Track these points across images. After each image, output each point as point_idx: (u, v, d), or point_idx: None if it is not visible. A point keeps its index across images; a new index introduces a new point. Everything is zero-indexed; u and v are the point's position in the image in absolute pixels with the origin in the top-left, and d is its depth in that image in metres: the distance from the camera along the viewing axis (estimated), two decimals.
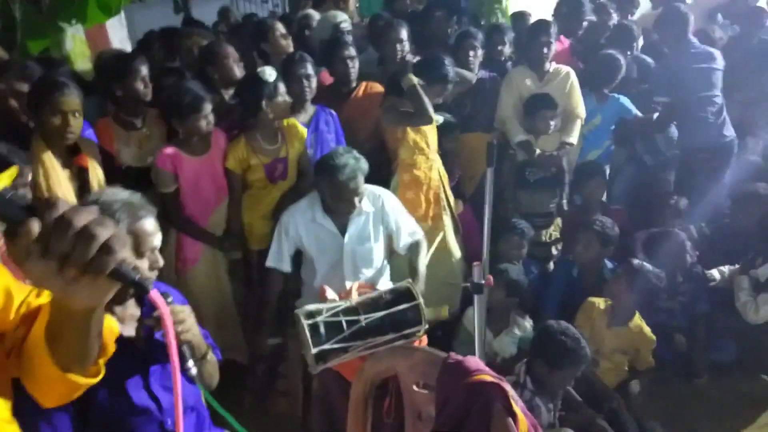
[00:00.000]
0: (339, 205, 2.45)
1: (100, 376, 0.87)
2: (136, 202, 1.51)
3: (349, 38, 3.22)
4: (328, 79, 3.34)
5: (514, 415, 1.28)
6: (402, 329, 2.03)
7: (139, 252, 1.47)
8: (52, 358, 0.79)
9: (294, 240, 2.53)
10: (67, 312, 0.74)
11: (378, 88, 3.19)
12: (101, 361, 0.88)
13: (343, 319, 2.03)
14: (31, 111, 2.33)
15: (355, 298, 2.19)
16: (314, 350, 1.93)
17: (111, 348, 0.90)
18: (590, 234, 3.08)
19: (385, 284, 2.60)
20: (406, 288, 2.14)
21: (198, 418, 1.67)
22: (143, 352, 1.55)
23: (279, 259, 2.55)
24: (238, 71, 3.03)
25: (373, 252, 2.57)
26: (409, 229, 2.66)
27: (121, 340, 1.49)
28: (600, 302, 2.84)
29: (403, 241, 2.63)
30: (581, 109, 3.54)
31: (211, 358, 1.66)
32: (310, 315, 2.01)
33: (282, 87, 2.70)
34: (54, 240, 0.64)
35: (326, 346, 1.96)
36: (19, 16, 3.95)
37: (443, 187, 3.15)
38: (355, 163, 2.40)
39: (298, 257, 2.63)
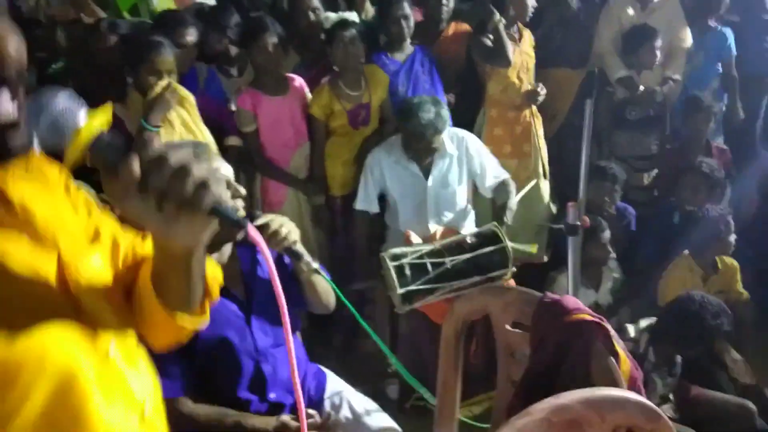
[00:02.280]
0: (418, 150, 2.40)
1: (206, 318, 0.87)
2: (208, 147, 1.53)
3: None
4: (416, 17, 3.24)
5: (615, 355, 1.23)
6: (488, 271, 1.99)
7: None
8: (158, 300, 0.80)
9: (379, 181, 2.53)
10: (169, 253, 0.74)
11: (466, 27, 3.06)
12: (207, 304, 0.87)
13: (428, 261, 2.02)
14: (129, 68, 2.38)
15: (439, 241, 2.18)
16: (400, 290, 1.93)
17: (216, 291, 0.89)
18: (697, 177, 2.87)
19: (469, 228, 2.55)
20: (492, 231, 2.09)
21: (297, 349, 1.70)
22: (243, 300, 1.60)
23: (366, 201, 2.56)
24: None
25: (457, 195, 2.53)
26: (494, 171, 2.59)
27: (223, 290, 1.55)
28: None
29: (488, 183, 2.57)
30: (688, 42, 3.24)
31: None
32: (396, 257, 2.01)
33: (346, 34, 2.63)
34: (153, 177, 0.63)
35: (412, 287, 1.96)
36: None
37: (534, 125, 3.02)
38: (436, 112, 2.35)
39: (382, 203, 2.62)
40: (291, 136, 2.72)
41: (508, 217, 2.36)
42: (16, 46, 0.64)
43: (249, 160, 2.73)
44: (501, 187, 2.56)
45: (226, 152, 2.61)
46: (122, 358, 0.78)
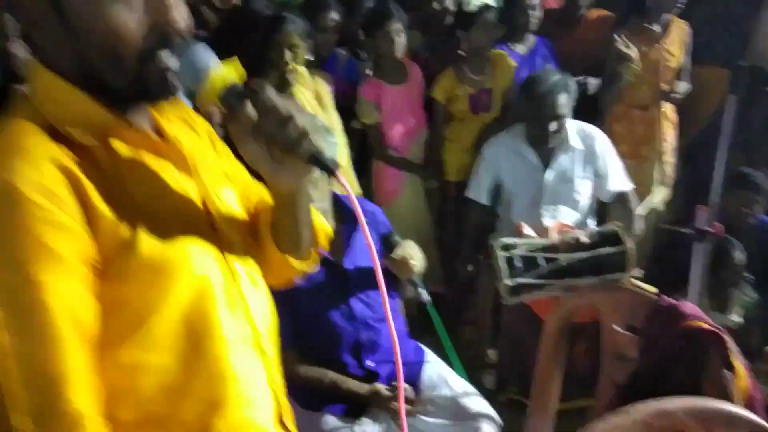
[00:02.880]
0: (538, 128, 2.31)
1: (313, 263, 1.00)
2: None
3: None
4: (550, 3, 3.15)
5: (731, 368, 1.14)
6: (604, 273, 1.91)
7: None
8: (272, 240, 0.93)
9: (493, 171, 2.49)
10: (278, 194, 0.87)
11: (607, 14, 2.92)
12: (314, 251, 1.00)
13: (540, 255, 1.97)
14: (261, 42, 2.53)
15: (554, 237, 2.11)
16: (508, 281, 1.91)
17: (323, 241, 1.03)
18: None
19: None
20: (614, 231, 2.00)
21: (397, 325, 1.77)
22: (340, 266, 1.67)
23: (478, 190, 2.53)
24: None
25: (577, 192, 2.41)
26: (618, 178, 2.44)
27: (325, 260, 1.64)
28: None
29: (611, 187, 2.43)
30: None
31: None
32: (506, 247, 1.99)
33: (489, 17, 2.62)
34: (264, 122, 0.74)
35: (521, 280, 1.93)
36: None
37: (661, 128, 2.82)
38: (559, 79, 2.27)
39: (496, 192, 2.58)
40: (412, 124, 2.76)
41: (633, 231, 2.24)
42: (184, 13, 0.75)
43: (361, 149, 2.80)
44: (621, 198, 2.43)
45: (352, 134, 2.72)
46: (246, 279, 0.87)
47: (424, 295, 1.68)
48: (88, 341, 0.69)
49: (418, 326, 2.11)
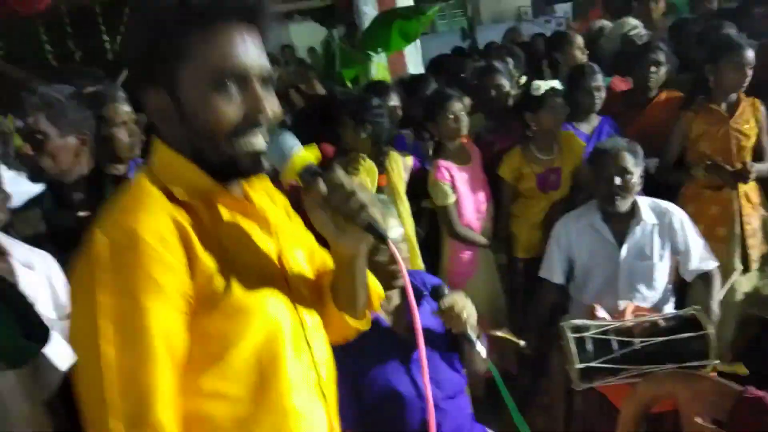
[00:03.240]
0: (606, 188, 2.28)
1: (368, 324, 1.14)
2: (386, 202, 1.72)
3: (661, 44, 3.00)
4: (620, 86, 3.17)
5: None
6: (684, 360, 1.80)
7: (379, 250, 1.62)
8: (332, 299, 1.07)
9: (566, 250, 2.44)
10: (339, 257, 1.01)
11: (676, 95, 2.91)
12: (368, 313, 1.14)
13: (613, 338, 1.89)
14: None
15: (629, 319, 2.02)
16: (579, 365, 1.83)
17: (376, 304, 1.16)
18: None
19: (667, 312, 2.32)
20: (692, 315, 1.90)
21: (460, 408, 1.71)
22: (406, 341, 1.66)
23: (550, 270, 2.48)
24: (582, 58, 3.19)
25: (655, 271, 2.31)
26: (700, 254, 2.33)
27: (384, 330, 1.64)
28: None
29: (692, 266, 2.32)
30: None
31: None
32: (577, 329, 1.92)
33: (558, 101, 2.69)
34: (332, 195, 0.89)
35: (593, 364, 1.85)
36: (338, 52, 4.68)
37: (739, 207, 2.69)
38: (625, 142, 2.28)
39: (570, 271, 2.52)
40: (482, 202, 2.80)
41: (712, 320, 2.12)
42: (275, 104, 0.92)
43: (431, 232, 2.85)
44: (705, 277, 2.31)
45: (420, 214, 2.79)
46: (311, 328, 1.00)
47: (480, 349, 1.61)
48: (177, 365, 0.81)
49: (486, 410, 2.04)
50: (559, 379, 2.41)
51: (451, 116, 2.66)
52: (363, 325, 1.13)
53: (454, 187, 2.70)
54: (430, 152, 2.88)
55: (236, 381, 0.87)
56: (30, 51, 5.11)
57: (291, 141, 0.91)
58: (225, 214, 0.92)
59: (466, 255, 2.79)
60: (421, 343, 0.95)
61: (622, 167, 2.24)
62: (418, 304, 1.71)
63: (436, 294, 1.64)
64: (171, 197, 0.88)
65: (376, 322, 1.64)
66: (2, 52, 5.14)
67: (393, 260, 1.41)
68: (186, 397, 0.82)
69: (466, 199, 2.74)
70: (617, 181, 2.24)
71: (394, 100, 2.88)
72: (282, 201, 1.10)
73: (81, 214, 1.87)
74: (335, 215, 0.91)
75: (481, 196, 2.80)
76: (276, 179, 1.02)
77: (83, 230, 1.85)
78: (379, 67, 4.52)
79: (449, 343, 1.69)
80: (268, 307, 0.91)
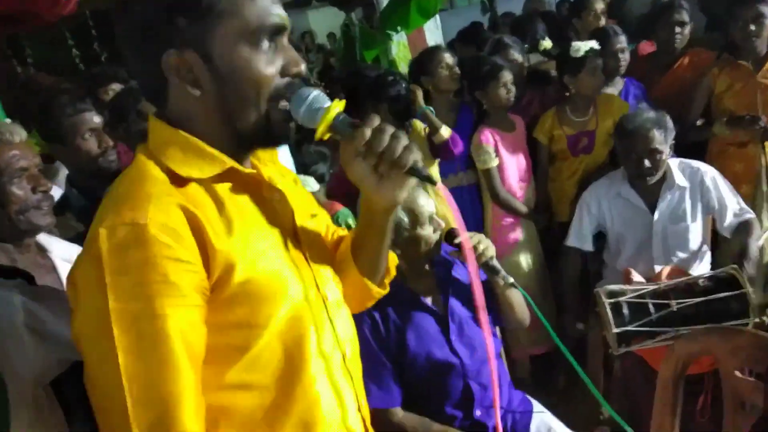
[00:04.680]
0: (634, 167, 2.25)
1: (385, 291, 1.11)
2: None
3: (684, 2, 2.92)
4: (648, 51, 3.11)
5: None
6: (722, 320, 1.80)
7: (419, 222, 1.64)
8: (355, 265, 1.04)
9: (596, 218, 2.43)
10: (373, 211, 0.96)
11: (707, 55, 2.83)
12: (387, 281, 1.12)
13: (650, 302, 1.89)
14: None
15: (665, 282, 2.01)
16: (616, 330, 1.84)
17: (393, 271, 1.14)
18: None
19: (703, 272, 2.29)
20: (731, 274, 1.88)
21: (499, 369, 1.73)
22: (442, 312, 1.69)
23: (579, 238, 2.47)
24: (603, 22, 3.14)
25: (690, 232, 2.29)
26: (734, 208, 2.30)
27: (423, 305, 1.67)
28: None
29: (727, 221, 2.29)
30: None
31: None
32: (613, 294, 1.92)
33: (598, 62, 2.65)
34: (375, 141, 0.85)
35: (630, 328, 1.85)
36: (357, 34, 4.68)
37: (764, 164, 2.63)
38: (653, 115, 2.21)
39: (600, 238, 2.51)
40: (524, 170, 2.80)
41: (749, 267, 2.08)
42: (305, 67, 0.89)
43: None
44: (742, 229, 2.27)
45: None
46: (333, 304, 0.96)
47: (509, 278, 1.61)
48: (197, 364, 0.77)
49: (533, 391, 2.03)
50: (597, 345, 2.42)
51: (503, 86, 2.65)
52: (382, 291, 1.11)
53: (497, 152, 2.70)
54: (481, 127, 2.86)
55: (262, 370, 0.83)
56: (59, 56, 5.23)
57: (317, 95, 0.86)
58: (238, 191, 0.88)
59: (509, 222, 2.79)
60: (481, 300, 0.92)
61: (651, 148, 2.18)
62: (450, 270, 1.74)
63: (450, 236, 1.64)
64: (174, 179, 0.82)
65: (411, 295, 1.68)
66: (32, 60, 5.27)
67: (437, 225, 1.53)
68: (211, 391, 0.79)
69: (509, 166, 2.74)
70: (646, 163, 2.20)
71: (448, 57, 2.81)
72: (288, 172, 1.06)
73: None
74: (378, 162, 0.86)
75: (524, 164, 2.79)
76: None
77: None
78: (399, 45, 4.49)
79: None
80: (290, 290, 0.87)
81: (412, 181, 0.90)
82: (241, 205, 0.87)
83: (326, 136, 0.88)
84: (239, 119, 0.85)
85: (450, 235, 1.64)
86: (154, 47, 0.82)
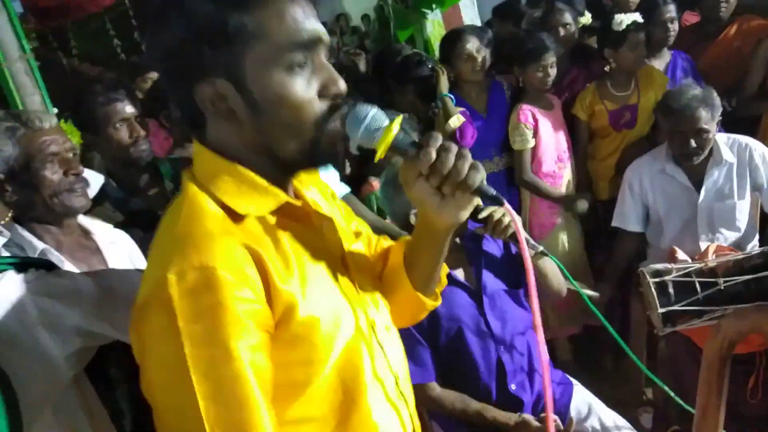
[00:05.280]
0: (679, 146, 2.18)
1: (438, 302, 1.07)
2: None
3: None
4: (691, 21, 3.00)
5: None
6: None
7: None
8: (408, 279, 1.00)
9: (640, 196, 2.37)
10: (432, 230, 0.92)
11: (757, 22, 2.71)
12: (438, 291, 1.07)
13: (696, 280, 1.84)
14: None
15: (712, 260, 1.95)
16: (661, 310, 1.80)
17: (445, 280, 1.09)
18: None
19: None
20: None
21: (530, 345, 1.73)
22: (475, 289, 1.70)
23: (624, 218, 2.42)
24: None
25: (737, 210, 2.22)
26: None
27: (455, 280, 1.67)
28: None
29: None
30: None
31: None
32: (657, 273, 1.87)
33: (640, 36, 2.55)
34: (439, 162, 0.80)
35: (675, 307, 1.80)
36: (392, 14, 4.64)
37: None
38: (698, 93, 2.12)
39: (646, 217, 2.45)
40: (565, 149, 2.74)
41: None
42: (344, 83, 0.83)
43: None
44: None
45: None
46: (382, 329, 0.93)
47: (539, 246, 1.60)
48: (270, 402, 0.75)
49: (574, 372, 2.02)
50: (641, 327, 2.37)
51: (545, 68, 2.58)
52: (435, 303, 1.06)
53: (536, 133, 2.64)
54: (520, 105, 2.81)
55: (321, 403, 0.82)
56: (101, 47, 5.36)
57: (374, 113, 0.82)
58: (290, 222, 0.84)
59: (548, 206, 2.74)
60: (532, 280, 0.88)
61: (698, 128, 2.10)
62: (480, 244, 1.74)
63: (474, 212, 1.63)
64: (230, 214, 0.78)
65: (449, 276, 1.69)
66: (76, 51, 5.41)
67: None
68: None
69: (548, 146, 2.68)
70: (693, 143, 2.13)
71: (473, 42, 2.67)
72: (325, 185, 1.01)
73: (152, 192, 1.98)
74: (442, 183, 0.81)
75: (563, 143, 2.73)
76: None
77: (157, 207, 1.90)
78: (434, 24, 4.45)
79: (514, 279, 1.71)
80: (345, 322, 0.84)
81: (476, 200, 0.86)
82: (294, 239, 0.84)
83: (384, 155, 0.83)
84: (281, 149, 0.80)
85: (474, 211, 1.62)
86: (185, 77, 0.78)
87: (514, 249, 1.65)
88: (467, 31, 2.74)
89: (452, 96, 2.62)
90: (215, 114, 0.80)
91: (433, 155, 0.79)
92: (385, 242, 1.09)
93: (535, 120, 2.64)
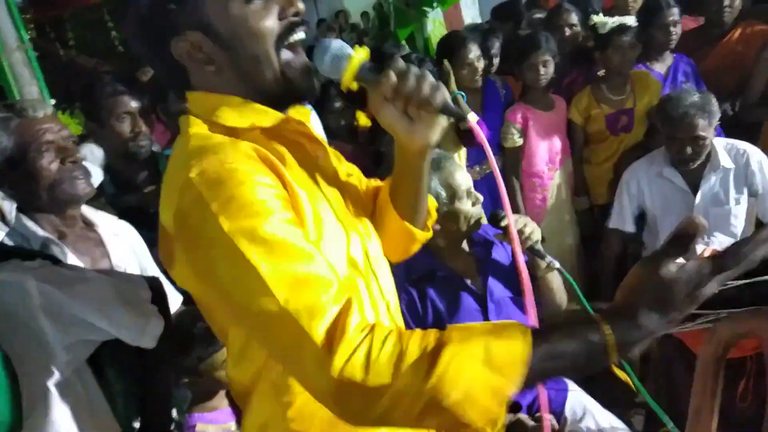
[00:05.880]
0: (676, 151, 2.19)
1: (430, 234, 1.11)
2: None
3: None
4: (690, 26, 3.01)
5: None
6: (766, 304, 1.74)
7: (457, 197, 1.64)
8: (394, 209, 1.04)
9: (637, 198, 2.38)
10: (407, 154, 0.96)
11: (760, 27, 2.72)
12: (429, 223, 1.12)
13: None
14: None
15: None
16: None
17: (434, 215, 1.14)
18: None
19: None
20: None
21: None
22: (481, 294, 1.69)
23: (621, 220, 2.43)
24: None
25: (732, 215, 2.23)
26: None
27: (462, 284, 1.67)
28: None
29: None
30: None
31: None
32: None
33: (625, 39, 2.56)
34: (401, 83, 0.83)
35: None
36: (392, 12, 4.63)
37: None
38: (697, 99, 2.13)
39: (641, 219, 2.46)
40: (557, 151, 2.75)
41: None
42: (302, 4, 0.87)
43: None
44: None
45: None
46: (375, 257, 0.97)
47: (555, 263, 1.58)
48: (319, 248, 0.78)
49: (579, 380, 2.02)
50: None
51: (538, 65, 2.59)
52: (426, 235, 1.10)
53: (526, 132, 2.65)
54: (515, 104, 2.80)
55: None
56: (98, 38, 5.33)
57: (340, 44, 0.86)
58: (291, 142, 0.89)
59: (538, 198, 2.75)
60: (528, 287, 0.88)
61: (695, 136, 2.12)
62: (490, 250, 1.74)
63: (495, 218, 1.63)
64: (233, 136, 0.83)
65: (450, 274, 1.69)
66: (73, 43, 5.38)
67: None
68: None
69: (537, 146, 2.70)
70: (689, 150, 2.14)
71: (474, 51, 2.71)
72: (320, 136, 1.05)
73: (147, 190, 1.97)
74: (406, 104, 0.85)
75: (557, 146, 2.74)
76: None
77: (151, 205, 1.90)
78: (435, 23, 4.44)
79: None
80: (349, 243, 0.88)
81: (443, 120, 0.89)
82: (300, 154, 0.89)
83: (353, 86, 0.87)
84: (258, 80, 0.85)
85: (495, 217, 1.63)
86: (160, 39, 0.84)
87: (525, 257, 1.65)
88: (470, 38, 2.75)
89: (464, 93, 2.63)
90: (196, 66, 0.86)
91: (394, 78, 0.83)
92: (375, 183, 1.13)
93: (526, 119, 2.65)
